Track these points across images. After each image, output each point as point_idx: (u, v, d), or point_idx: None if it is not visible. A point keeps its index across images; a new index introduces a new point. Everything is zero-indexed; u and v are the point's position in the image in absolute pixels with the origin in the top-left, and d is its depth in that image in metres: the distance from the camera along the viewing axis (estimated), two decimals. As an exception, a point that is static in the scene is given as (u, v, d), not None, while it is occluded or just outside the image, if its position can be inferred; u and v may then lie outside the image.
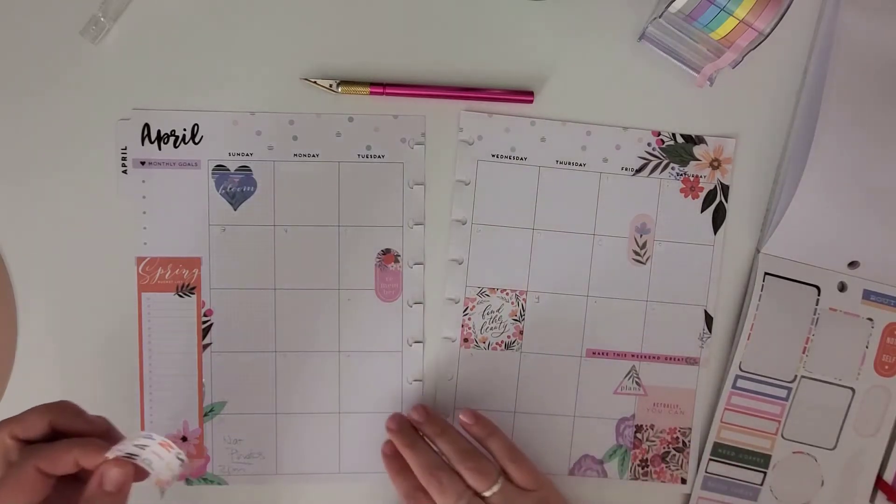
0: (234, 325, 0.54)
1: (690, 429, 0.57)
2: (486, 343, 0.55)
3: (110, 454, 0.39)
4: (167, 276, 0.53)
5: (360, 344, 0.55)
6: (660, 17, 0.50)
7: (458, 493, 0.48)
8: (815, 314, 0.56)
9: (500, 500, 0.49)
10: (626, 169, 0.55)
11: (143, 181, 0.52)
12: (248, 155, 0.53)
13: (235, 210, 0.53)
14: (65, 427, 0.41)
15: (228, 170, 0.53)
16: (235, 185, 0.53)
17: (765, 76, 0.55)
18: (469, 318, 0.55)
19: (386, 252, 0.54)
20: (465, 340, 0.55)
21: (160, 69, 0.52)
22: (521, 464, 0.51)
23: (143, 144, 0.52)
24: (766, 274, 0.56)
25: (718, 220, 0.56)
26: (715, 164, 0.55)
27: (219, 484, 0.54)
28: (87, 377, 0.53)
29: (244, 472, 0.54)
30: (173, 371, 0.53)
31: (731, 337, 0.57)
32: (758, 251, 0.56)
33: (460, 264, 0.55)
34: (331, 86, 0.52)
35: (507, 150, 0.54)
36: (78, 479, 0.40)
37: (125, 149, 0.52)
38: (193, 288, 0.53)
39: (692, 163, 0.55)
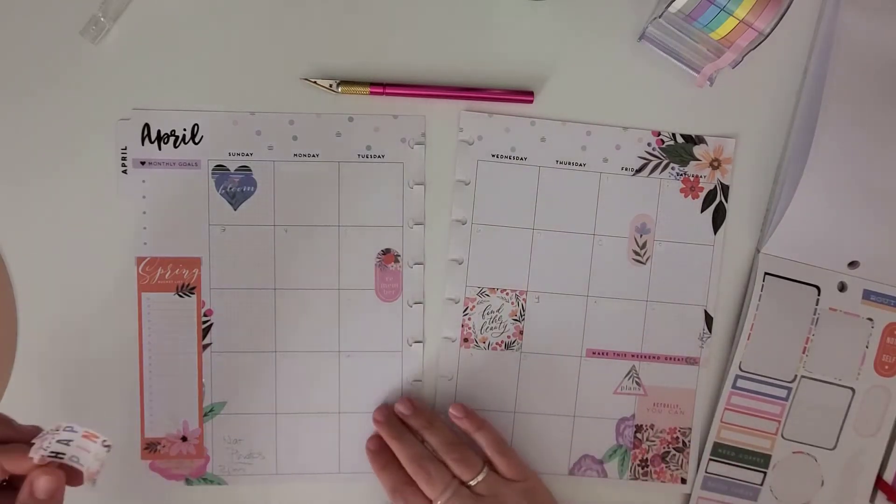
0: (234, 325, 0.54)
1: (690, 429, 0.57)
2: (486, 343, 0.55)
3: (33, 453, 0.38)
4: (167, 275, 0.53)
5: (359, 344, 0.54)
6: (660, 17, 0.50)
7: (445, 483, 0.50)
8: (815, 314, 0.56)
9: (485, 489, 0.50)
10: (626, 169, 0.55)
11: (143, 181, 0.52)
12: (248, 155, 0.53)
13: (235, 210, 0.53)
14: (5, 439, 0.40)
15: (228, 170, 0.53)
16: (235, 185, 0.53)
17: (765, 76, 0.55)
18: (469, 318, 0.55)
19: (386, 252, 0.54)
20: (465, 340, 0.55)
21: (160, 69, 0.52)
22: (508, 456, 0.52)
23: (143, 144, 0.52)
24: (766, 274, 0.56)
25: (718, 220, 0.56)
26: (715, 164, 0.55)
27: (218, 484, 0.54)
28: (86, 377, 0.53)
29: (244, 471, 0.54)
30: (173, 371, 0.53)
31: (731, 337, 0.57)
32: (758, 251, 0.56)
33: (460, 264, 0.55)
34: (331, 86, 0.52)
35: (507, 150, 0.54)
36: (11, 487, 0.40)
37: (125, 149, 0.52)
38: (193, 288, 0.53)
39: (692, 163, 0.55)
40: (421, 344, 0.55)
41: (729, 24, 0.48)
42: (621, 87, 0.55)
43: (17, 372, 0.53)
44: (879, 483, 0.58)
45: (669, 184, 0.55)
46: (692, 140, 0.55)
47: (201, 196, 0.53)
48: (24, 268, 0.53)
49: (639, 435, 0.57)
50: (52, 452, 0.39)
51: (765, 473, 0.57)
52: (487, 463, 0.52)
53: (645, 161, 0.55)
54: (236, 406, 0.54)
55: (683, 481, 0.57)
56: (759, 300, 0.56)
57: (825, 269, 0.56)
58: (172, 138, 0.52)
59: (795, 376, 0.56)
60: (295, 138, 0.53)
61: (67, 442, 0.39)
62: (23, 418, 0.43)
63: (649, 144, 0.55)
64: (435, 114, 0.54)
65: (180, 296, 0.53)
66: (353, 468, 0.54)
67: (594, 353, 0.56)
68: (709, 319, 0.56)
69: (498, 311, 0.55)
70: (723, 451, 0.57)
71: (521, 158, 0.54)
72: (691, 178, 0.55)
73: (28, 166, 0.52)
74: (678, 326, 0.56)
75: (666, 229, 0.55)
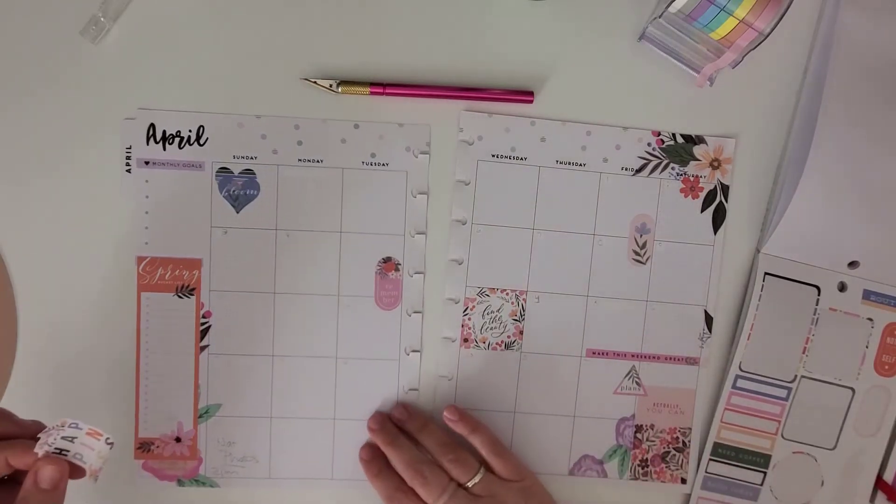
0: (232, 328, 0.54)
1: (690, 429, 0.57)
2: (486, 343, 0.55)
3: (37, 448, 0.39)
4: (167, 276, 0.53)
5: (357, 351, 0.54)
6: (660, 17, 0.50)
7: (442, 486, 0.50)
8: (815, 314, 0.56)
9: (482, 490, 0.51)
10: (626, 169, 0.55)
11: (147, 181, 0.52)
12: (252, 158, 0.53)
13: (238, 213, 0.53)
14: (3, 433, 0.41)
15: (232, 172, 0.53)
16: (239, 188, 0.53)
17: (765, 76, 0.55)
18: (469, 318, 0.55)
19: (387, 260, 0.54)
20: (465, 340, 0.55)
21: (159, 69, 0.52)
22: (504, 457, 0.52)
23: (147, 144, 0.52)
24: (766, 274, 0.56)
25: (718, 220, 0.56)
26: (715, 164, 0.55)
27: (211, 486, 0.54)
28: (84, 376, 0.53)
29: (237, 474, 0.54)
30: (170, 371, 0.53)
31: (731, 337, 0.57)
32: (758, 251, 0.56)
33: (460, 264, 0.55)
34: (331, 86, 0.52)
35: (507, 150, 0.54)
36: (14, 481, 0.40)
37: (129, 148, 0.52)
38: (193, 289, 0.53)
39: (692, 163, 0.55)
40: (418, 353, 0.55)
41: (729, 24, 0.48)
42: (621, 87, 0.55)
43: (17, 371, 0.53)
44: (879, 483, 0.58)
45: (669, 184, 0.55)
46: (692, 140, 0.55)
47: (204, 198, 0.53)
48: (24, 267, 0.52)
49: (639, 435, 0.57)
50: (57, 449, 0.39)
51: (765, 473, 0.57)
52: (484, 464, 0.52)
53: (645, 161, 0.55)
54: (231, 409, 0.54)
55: (683, 481, 0.57)
56: (759, 300, 0.56)
57: (825, 269, 0.56)
58: (177, 139, 0.52)
59: (795, 376, 0.57)
60: (300, 143, 0.53)
61: (72, 439, 0.40)
62: (22, 416, 0.43)
63: (649, 144, 0.55)
64: (435, 114, 0.54)
65: (180, 297, 0.53)
66: (347, 475, 0.54)
67: (594, 353, 0.56)
68: (709, 319, 0.56)
69: (498, 311, 0.55)
70: (723, 451, 0.57)
71: (521, 158, 0.54)
72: (691, 178, 0.55)
73: (29, 166, 0.52)
74: (678, 326, 0.56)
75: (666, 229, 0.55)
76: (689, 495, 0.57)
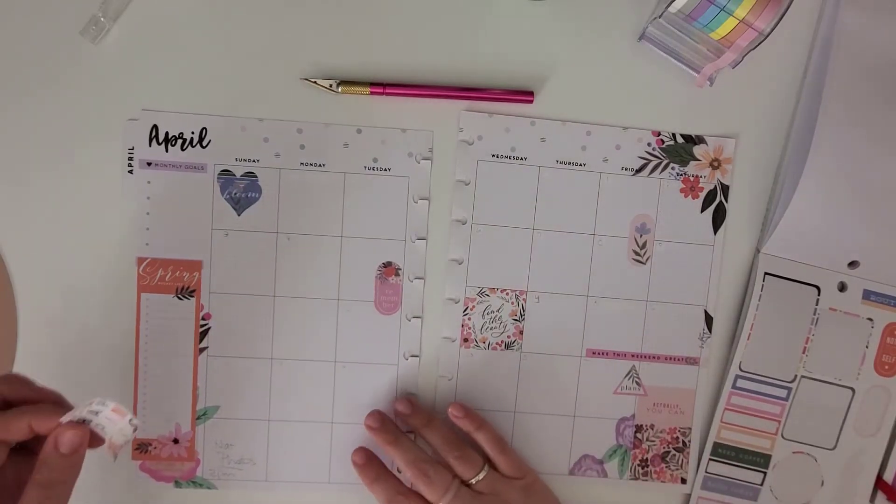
0: (232, 330, 0.54)
1: (690, 429, 0.57)
2: (486, 343, 0.55)
3: (64, 419, 0.39)
4: (167, 277, 0.53)
5: (356, 355, 0.54)
6: (660, 17, 0.50)
7: (446, 484, 0.50)
8: (815, 314, 0.56)
9: (485, 487, 0.51)
10: (626, 169, 0.55)
11: (149, 182, 0.52)
12: (254, 161, 0.53)
13: (239, 215, 0.53)
14: (15, 397, 0.41)
15: (234, 175, 0.53)
16: (240, 191, 0.53)
17: (765, 76, 0.55)
18: (469, 318, 0.55)
19: (387, 265, 0.54)
20: (465, 340, 0.55)
21: (159, 69, 0.52)
22: (508, 454, 0.52)
23: (150, 145, 0.52)
24: (766, 274, 0.56)
25: (718, 220, 0.56)
26: (715, 164, 0.55)
27: (208, 488, 0.54)
28: (84, 376, 0.53)
29: (234, 477, 0.54)
30: (168, 373, 0.53)
31: (731, 337, 0.57)
32: (758, 251, 0.56)
33: (460, 264, 0.55)
34: (331, 86, 0.52)
35: (507, 150, 0.54)
36: (31, 450, 0.40)
37: (132, 149, 0.52)
38: (193, 291, 0.53)
39: (692, 163, 0.55)
40: (417, 358, 0.55)
41: (729, 24, 0.48)
42: (621, 87, 0.55)
43: (17, 370, 0.53)
44: (879, 483, 0.58)
45: (669, 184, 0.55)
46: (692, 140, 0.55)
47: (206, 200, 0.53)
48: (24, 267, 0.52)
49: (639, 435, 0.57)
50: (80, 419, 0.40)
51: (765, 473, 0.57)
52: (487, 461, 0.52)
53: (645, 161, 0.55)
54: (230, 411, 0.54)
55: (683, 481, 0.57)
56: (759, 300, 0.56)
57: (825, 269, 0.56)
58: (180, 141, 0.52)
59: (795, 376, 0.57)
60: (302, 147, 0.53)
61: (96, 413, 0.41)
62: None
63: (649, 144, 0.55)
64: (435, 114, 0.54)
65: (180, 298, 0.53)
66: (344, 478, 0.54)
67: (594, 353, 0.56)
68: (709, 319, 0.56)
69: (498, 311, 0.55)
70: (723, 451, 0.57)
71: (521, 158, 0.54)
72: (691, 178, 0.55)
73: (30, 165, 0.52)
74: (678, 326, 0.56)
75: (666, 229, 0.55)
76: (689, 495, 0.57)
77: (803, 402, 0.57)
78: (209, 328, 0.53)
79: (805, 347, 0.56)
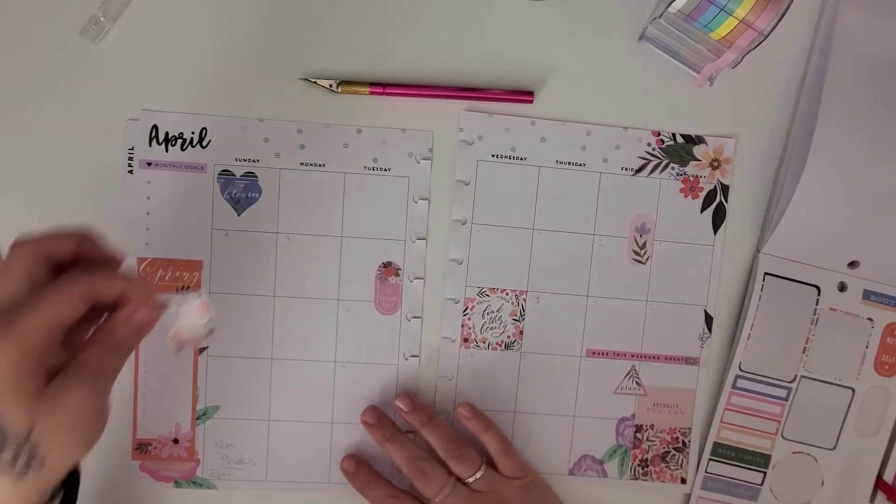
0: (231, 331, 0.53)
1: (690, 429, 0.57)
2: (486, 343, 0.55)
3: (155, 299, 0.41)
4: (167, 277, 0.53)
5: (356, 355, 0.54)
6: (660, 17, 0.50)
7: (442, 480, 0.50)
8: (815, 314, 0.56)
9: (482, 486, 0.51)
10: (626, 169, 0.55)
11: (149, 182, 0.52)
12: (254, 161, 0.53)
13: (239, 216, 0.53)
14: (89, 254, 0.41)
15: (234, 175, 0.53)
16: (240, 191, 0.53)
17: (765, 76, 0.55)
18: (469, 318, 0.55)
19: (387, 265, 0.54)
20: (465, 340, 0.55)
21: (159, 69, 0.52)
22: (512, 456, 0.53)
23: (150, 146, 0.52)
24: (766, 274, 0.56)
25: (718, 220, 0.56)
26: (715, 164, 0.55)
27: (208, 488, 0.54)
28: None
29: (234, 477, 0.54)
30: (168, 373, 0.53)
31: (731, 337, 0.57)
32: (758, 251, 0.56)
33: (460, 264, 0.55)
34: (331, 86, 0.52)
35: (507, 150, 0.54)
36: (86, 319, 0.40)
37: (132, 149, 0.52)
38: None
39: (692, 163, 0.55)
40: (417, 358, 0.55)
41: (729, 24, 0.48)
42: (621, 87, 0.55)
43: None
44: (879, 483, 0.58)
45: (669, 184, 0.55)
46: (692, 140, 0.55)
47: (206, 200, 0.53)
48: (23, 268, 0.52)
49: (639, 435, 0.57)
50: (164, 301, 0.41)
51: (765, 473, 0.57)
52: (489, 462, 0.52)
53: (645, 161, 0.55)
54: (230, 411, 0.54)
55: (683, 481, 0.57)
56: (759, 300, 0.56)
57: (825, 269, 0.56)
58: (180, 141, 0.52)
59: (795, 376, 0.57)
60: (302, 147, 0.53)
61: (181, 301, 0.42)
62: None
63: (649, 144, 0.55)
64: (435, 114, 0.54)
65: (180, 297, 0.53)
66: (343, 479, 0.54)
67: (594, 353, 0.56)
68: (709, 319, 0.56)
69: (498, 311, 0.55)
70: (723, 451, 0.57)
71: (521, 158, 0.54)
72: (691, 178, 0.55)
73: (30, 165, 0.52)
74: (678, 326, 0.56)
75: (666, 229, 0.55)
76: (689, 495, 0.57)
77: (803, 402, 0.57)
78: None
79: (805, 347, 0.56)
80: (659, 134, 0.55)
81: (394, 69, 0.53)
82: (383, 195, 0.54)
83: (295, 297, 0.54)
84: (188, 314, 0.43)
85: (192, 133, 0.52)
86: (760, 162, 0.56)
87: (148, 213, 0.52)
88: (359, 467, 0.53)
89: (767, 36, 0.48)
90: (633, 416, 0.56)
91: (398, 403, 0.53)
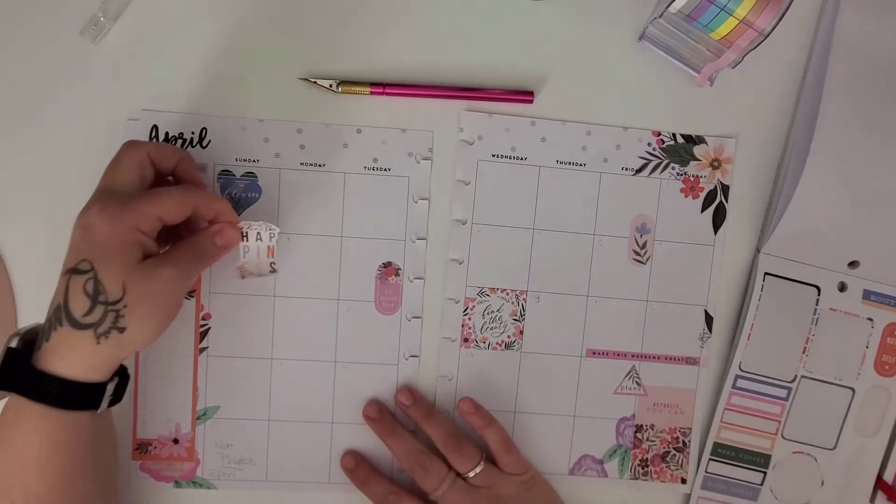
0: (231, 330, 0.53)
1: (690, 429, 0.57)
2: (486, 343, 0.55)
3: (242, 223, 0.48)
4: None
5: (356, 355, 0.54)
6: (660, 17, 0.50)
7: (442, 475, 0.51)
8: (815, 314, 0.56)
9: (481, 481, 0.51)
10: (627, 169, 0.55)
11: None
12: (254, 161, 0.53)
13: (239, 216, 0.53)
14: (183, 173, 0.47)
15: (234, 175, 0.53)
16: (240, 191, 0.53)
17: (765, 76, 0.55)
18: (469, 318, 0.55)
19: (387, 265, 0.54)
20: (465, 340, 0.55)
21: (159, 69, 0.52)
22: (513, 453, 0.53)
23: None
24: (766, 274, 0.56)
25: (718, 220, 0.56)
26: (715, 164, 0.55)
27: (208, 488, 0.54)
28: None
29: (234, 477, 0.54)
30: (168, 373, 0.53)
31: (731, 337, 0.57)
32: (758, 251, 0.56)
33: (460, 264, 0.55)
34: (331, 86, 0.52)
35: (507, 150, 0.54)
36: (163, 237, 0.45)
37: None
38: (193, 291, 0.53)
39: (692, 163, 0.55)
40: (417, 358, 0.55)
41: (729, 24, 0.48)
42: (621, 87, 0.55)
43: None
44: (879, 483, 0.58)
45: (669, 184, 0.55)
46: (692, 140, 0.55)
47: None
48: (24, 267, 0.52)
49: (639, 435, 0.57)
50: (244, 231, 0.48)
51: (765, 473, 0.57)
52: (490, 458, 0.52)
53: (645, 161, 0.55)
54: (230, 411, 0.54)
55: (683, 481, 0.57)
56: (759, 300, 0.56)
57: (825, 269, 0.56)
58: (180, 141, 0.52)
59: (795, 376, 0.57)
60: (302, 147, 0.53)
61: (258, 236, 0.49)
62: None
63: (649, 144, 0.55)
64: (435, 114, 0.54)
65: (180, 297, 0.53)
66: (343, 478, 0.54)
67: (594, 353, 0.56)
68: (709, 319, 0.56)
69: (498, 310, 0.55)
70: (723, 451, 0.57)
71: (521, 158, 0.54)
72: (691, 178, 0.55)
73: (30, 166, 0.52)
74: (678, 326, 0.56)
75: (666, 229, 0.55)
76: (689, 495, 0.57)
77: (803, 402, 0.57)
78: (209, 328, 0.53)
79: (805, 347, 0.56)
80: (659, 134, 0.55)
81: (394, 69, 0.53)
82: (383, 195, 0.54)
83: (295, 297, 0.54)
84: (255, 252, 0.49)
85: (192, 133, 0.52)
86: (760, 162, 0.56)
87: (148, 213, 0.52)
88: (359, 464, 0.54)
89: (767, 36, 0.48)
90: (634, 416, 0.56)
91: (399, 397, 0.53)
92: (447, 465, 0.51)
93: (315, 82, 0.52)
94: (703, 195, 0.56)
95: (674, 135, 0.55)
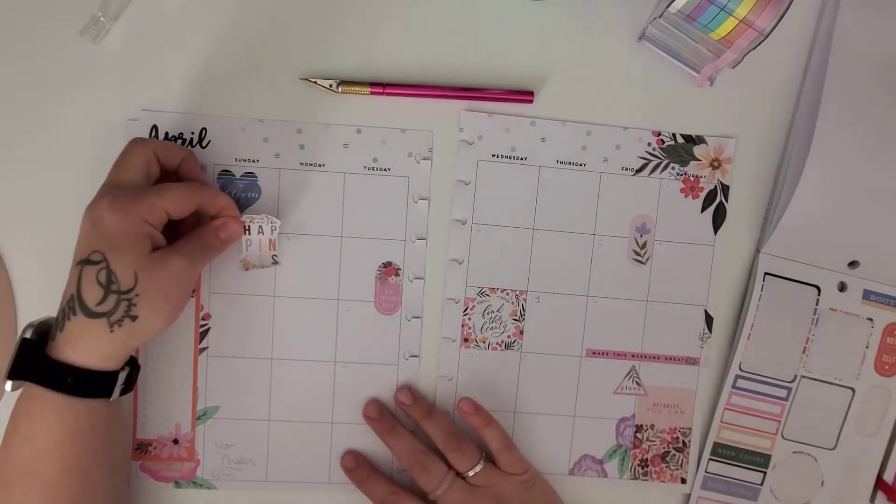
0: (231, 331, 0.53)
1: (690, 429, 0.57)
2: (486, 343, 0.55)
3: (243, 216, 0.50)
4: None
5: (356, 355, 0.54)
6: (660, 17, 0.50)
7: (442, 474, 0.51)
8: (815, 314, 0.56)
9: (481, 481, 0.51)
10: (627, 169, 0.55)
11: None
12: (254, 161, 0.53)
13: None
14: (187, 171, 0.49)
15: (234, 175, 0.53)
16: (240, 191, 0.53)
17: (765, 76, 0.55)
18: (469, 318, 0.55)
19: (387, 265, 0.54)
20: (465, 340, 0.55)
21: (159, 69, 0.52)
22: (513, 453, 0.53)
23: None
24: (766, 274, 0.56)
25: (718, 220, 0.56)
26: (715, 164, 0.55)
27: (208, 488, 0.54)
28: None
29: (234, 477, 0.54)
30: (168, 373, 0.53)
31: (731, 337, 0.57)
32: (758, 251, 0.56)
33: (460, 264, 0.55)
34: (331, 86, 0.52)
35: (507, 150, 0.54)
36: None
37: None
38: (193, 291, 0.53)
39: (692, 163, 0.55)
40: (417, 358, 0.55)
41: (729, 24, 0.48)
42: (621, 87, 0.55)
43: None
44: (879, 483, 0.58)
45: (669, 184, 0.55)
46: (692, 140, 0.55)
47: None
48: (24, 267, 0.52)
49: (639, 435, 0.57)
50: (247, 225, 0.50)
51: (765, 473, 0.57)
52: (490, 457, 0.53)
53: (645, 161, 0.55)
54: (230, 411, 0.54)
55: (683, 481, 0.57)
56: (759, 300, 0.56)
57: (825, 269, 0.56)
58: (180, 141, 0.52)
59: (795, 376, 0.57)
60: (302, 147, 0.53)
61: (260, 229, 0.51)
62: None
63: (649, 144, 0.55)
64: (435, 114, 0.54)
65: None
66: (343, 478, 0.54)
67: (594, 353, 0.56)
68: (709, 319, 0.56)
69: (498, 310, 0.55)
70: (723, 451, 0.57)
71: (522, 158, 0.54)
72: (691, 178, 0.55)
73: (30, 166, 0.52)
74: (678, 326, 0.56)
75: (666, 229, 0.55)
76: (689, 495, 0.57)
77: (803, 402, 0.57)
78: (209, 328, 0.53)
79: (805, 347, 0.56)
80: (659, 134, 0.55)
81: (394, 69, 0.53)
82: (383, 195, 0.54)
83: (295, 297, 0.54)
84: (257, 245, 0.51)
85: (192, 133, 0.52)
86: (760, 162, 0.56)
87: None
88: (359, 463, 0.54)
89: (767, 36, 0.48)
90: (633, 416, 0.56)
91: (399, 396, 0.54)
92: (447, 464, 0.51)
93: (315, 82, 0.52)
94: (703, 195, 0.56)
95: (674, 135, 0.55)
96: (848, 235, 0.55)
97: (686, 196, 0.56)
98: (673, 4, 0.48)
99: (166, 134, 0.52)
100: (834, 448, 0.57)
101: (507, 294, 0.55)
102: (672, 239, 0.56)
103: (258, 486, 0.54)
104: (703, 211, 0.56)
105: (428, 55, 0.53)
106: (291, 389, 0.54)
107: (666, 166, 0.55)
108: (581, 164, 0.55)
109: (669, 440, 0.57)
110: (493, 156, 0.54)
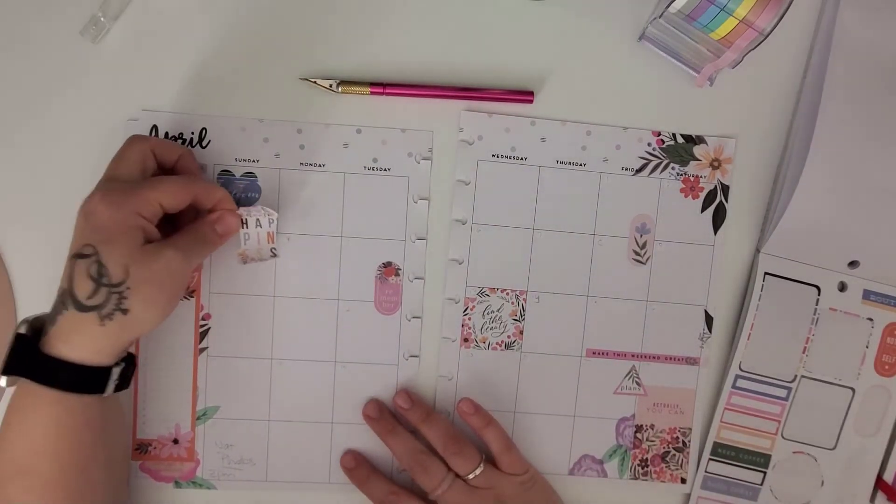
0: (231, 331, 0.53)
1: (690, 429, 0.57)
2: (486, 343, 0.55)
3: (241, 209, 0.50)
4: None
5: (356, 355, 0.54)
6: (660, 17, 0.50)
7: (442, 475, 0.51)
8: (815, 314, 0.56)
9: (482, 483, 0.51)
10: (627, 169, 0.55)
11: None
12: (254, 161, 0.53)
13: None
14: (185, 168, 0.49)
15: (234, 175, 0.53)
16: (240, 191, 0.53)
17: (765, 76, 0.55)
18: (469, 318, 0.55)
19: (387, 265, 0.54)
20: (465, 340, 0.55)
21: (159, 69, 0.52)
22: (513, 454, 0.53)
23: None
24: (766, 274, 0.56)
25: (718, 220, 0.56)
26: (715, 164, 0.55)
27: (208, 488, 0.54)
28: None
29: (234, 477, 0.54)
30: (168, 373, 0.53)
31: (731, 337, 0.57)
32: (758, 251, 0.56)
33: (460, 264, 0.55)
34: (331, 86, 0.52)
35: (507, 150, 0.54)
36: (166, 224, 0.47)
37: None
38: (193, 291, 0.53)
39: (692, 163, 0.55)
40: (417, 358, 0.55)
41: (729, 24, 0.48)
42: (621, 87, 0.55)
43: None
44: (879, 483, 0.58)
45: (669, 184, 0.55)
46: (692, 140, 0.55)
47: None
48: (24, 267, 0.52)
49: (639, 435, 0.57)
50: (244, 218, 0.50)
51: (765, 473, 0.57)
52: (490, 459, 0.52)
53: (645, 161, 0.55)
54: (230, 411, 0.54)
55: (683, 481, 0.57)
56: (759, 300, 0.56)
57: (825, 269, 0.56)
58: (180, 141, 0.52)
59: (795, 376, 0.57)
60: (302, 147, 0.53)
61: (258, 222, 0.50)
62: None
63: (649, 144, 0.55)
64: (435, 114, 0.54)
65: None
66: (343, 478, 0.54)
67: (594, 353, 0.56)
68: (709, 319, 0.56)
69: (498, 310, 0.55)
70: (723, 451, 0.57)
71: (521, 158, 0.54)
72: (691, 178, 0.55)
73: (30, 166, 0.52)
74: (678, 326, 0.56)
75: (666, 229, 0.55)
76: (689, 495, 0.57)
77: (803, 402, 0.57)
78: (209, 328, 0.53)
79: (805, 347, 0.56)
80: (659, 134, 0.55)
81: (394, 69, 0.53)
82: (383, 195, 0.54)
83: (295, 297, 0.54)
84: (255, 238, 0.51)
85: (192, 133, 0.52)
86: (760, 162, 0.56)
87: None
88: (359, 463, 0.54)
89: (767, 36, 0.48)
90: (633, 416, 0.56)
91: (397, 401, 0.53)
92: (447, 464, 0.51)
93: (315, 82, 0.52)
94: (703, 195, 0.56)
95: (674, 135, 0.55)
96: (848, 235, 0.55)
97: (686, 196, 0.56)
98: (673, 4, 0.48)
99: (166, 134, 0.52)
100: (834, 448, 0.57)
101: (507, 294, 0.55)
102: (672, 239, 0.56)
103: (258, 486, 0.54)
104: (703, 211, 0.56)
105: (428, 55, 0.53)
106: (291, 389, 0.54)
107: (666, 166, 0.55)
108: (581, 164, 0.55)
109: (669, 440, 0.57)
110: (493, 156, 0.54)
